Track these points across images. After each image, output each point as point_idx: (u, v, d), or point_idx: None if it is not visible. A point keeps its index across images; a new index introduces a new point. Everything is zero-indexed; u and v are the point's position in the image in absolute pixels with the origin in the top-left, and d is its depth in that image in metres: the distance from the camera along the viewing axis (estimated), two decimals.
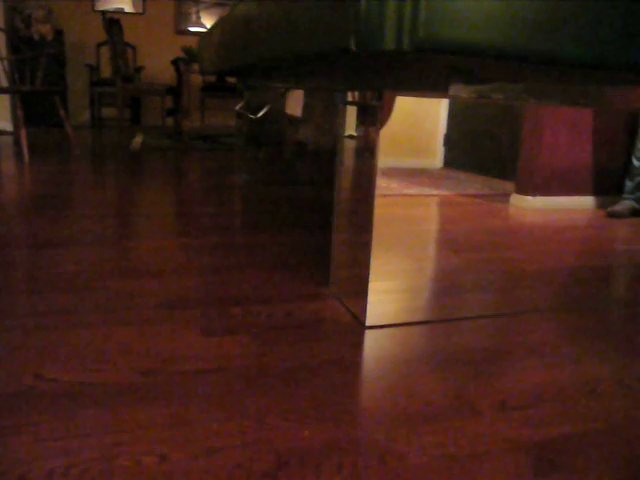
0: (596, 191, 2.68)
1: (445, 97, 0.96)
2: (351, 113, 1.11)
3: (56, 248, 1.44)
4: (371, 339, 1.00)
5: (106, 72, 5.33)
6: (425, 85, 0.77)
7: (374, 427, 0.72)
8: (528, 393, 0.84)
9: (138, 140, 3.72)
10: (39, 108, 4.52)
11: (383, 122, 0.91)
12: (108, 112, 5.43)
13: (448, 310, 1.15)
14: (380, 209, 1.13)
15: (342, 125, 1.12)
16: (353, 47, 0.54)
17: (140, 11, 5.69)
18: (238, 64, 1.55)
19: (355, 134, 1.09)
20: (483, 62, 0.62)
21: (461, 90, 0.68)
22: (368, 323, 1.03)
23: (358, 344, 0.98)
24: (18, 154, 3.17)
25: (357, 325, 1.04)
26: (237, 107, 2.08)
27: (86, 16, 5.44)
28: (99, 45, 5.46)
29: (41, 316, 1.01)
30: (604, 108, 1.16)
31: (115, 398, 0.76)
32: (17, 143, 3.27)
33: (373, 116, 0.95)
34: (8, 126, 4.50)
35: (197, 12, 6.04)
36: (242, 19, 1.22)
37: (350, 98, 1.05)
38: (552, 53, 0.54)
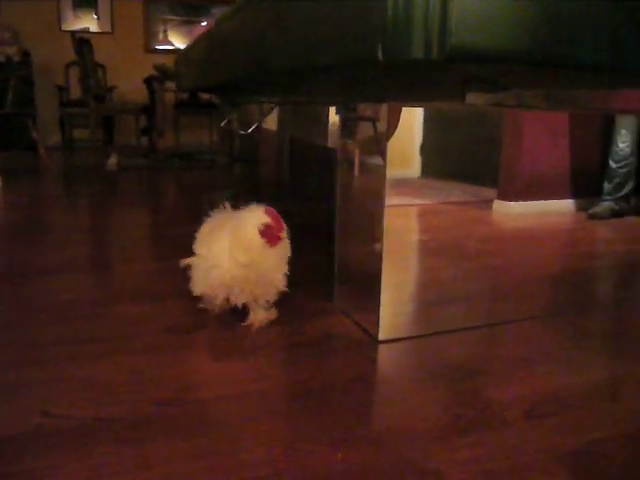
0: (575, 194, 2.72)
1: (457, 107, 0.96)
2: (350, 125, 1.10)
3: (46, 276, 1.38)
4: (386, 354, 0.98)
5: (76, 93, 5.22)
6: (436, 95, 0.77)
7: (409, 446, 0.70)
8: (551, 400, 0.83)
9: (114, 161, 3.65)
10: (7, 131, 4.39)
11: (390, 134, 0.90)
12: (80, 133, 5.30)
13: (456, 320, 1.14)
14: None
15: (342, 138, 1.11)
16: (380, 57, 0.53)
17: (109, 30, 5.62)
18: (224, 79, 1.52)
19: (357, 148, 1.08)
20: (507, 69, 0.62)
21: (477, 98, 0.68)
22: (381, 337, 1.01)
23: (375, 360, 0.96)
24: None
25: (369, 340, 1.02)
26: (222, 124, 2.06)
27: (53, 37, 5.33)
28: (68, 65, 5.35)
29: (41, 348, 0.96)
30: (606, 111, 1.18)
31: (133, 432, 0.72)
32: None
33: (379, 128, 0.95)
34: None
35: (165, 31, 6.01)
36: (235, 32, 1.20)
37: (351, 110, 1.04)
38: (585, 57, 0.54)
